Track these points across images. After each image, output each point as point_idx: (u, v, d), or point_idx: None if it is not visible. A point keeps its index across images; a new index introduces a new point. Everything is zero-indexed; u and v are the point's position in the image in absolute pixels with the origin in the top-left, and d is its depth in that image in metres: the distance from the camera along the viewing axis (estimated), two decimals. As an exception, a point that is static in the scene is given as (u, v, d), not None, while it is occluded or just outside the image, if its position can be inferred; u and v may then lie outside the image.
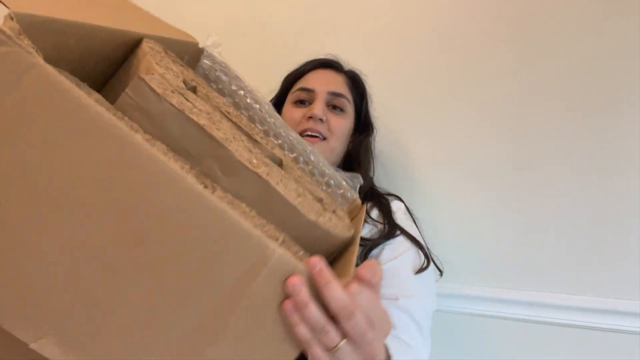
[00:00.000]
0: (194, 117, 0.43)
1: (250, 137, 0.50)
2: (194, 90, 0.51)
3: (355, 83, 0.95)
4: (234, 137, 0.46)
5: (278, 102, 0.94)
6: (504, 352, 0.98)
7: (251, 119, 0.59)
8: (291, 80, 0.94)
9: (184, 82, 0.50)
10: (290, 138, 0.60)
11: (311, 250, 0.46)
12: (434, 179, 1.03)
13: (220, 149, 0.43)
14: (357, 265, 0.48)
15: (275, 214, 0.45)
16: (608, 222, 0.92)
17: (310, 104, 0.87)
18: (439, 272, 0.87)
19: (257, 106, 0.60)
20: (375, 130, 0.97)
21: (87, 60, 0.45)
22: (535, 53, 0.95)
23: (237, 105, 0.60)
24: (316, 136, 0.84)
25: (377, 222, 0.83)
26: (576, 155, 0.93)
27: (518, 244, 0.97)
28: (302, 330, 0.37)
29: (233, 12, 1.18)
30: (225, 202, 0.37)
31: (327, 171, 0.60)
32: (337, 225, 0.49)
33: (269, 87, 0.97)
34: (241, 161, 0.44)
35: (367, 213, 0.84)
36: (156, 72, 0.44)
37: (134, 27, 0.49)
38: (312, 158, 0.59)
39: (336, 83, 0.90)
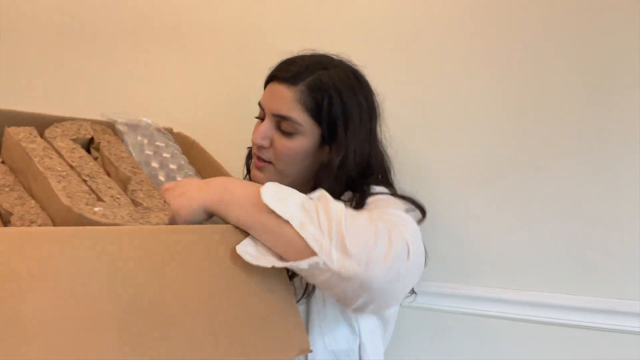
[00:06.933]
0: (25, 145, 0.61)
1: (71, 167, 0.62)
2: (97, 145, 0.72)
3: (314, 94, 0.76)
4: (52, 167, 0.60)
5: None
6: (504, 352, 0.98)
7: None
8: (264, 85, 0.85)
9: (92, 138, 0.73)
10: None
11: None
12: (434, 179, 1.02)
13: (31, 162, 0.59)
14: None
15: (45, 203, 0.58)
16: (608, 222, 0.91)
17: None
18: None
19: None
20: (350, 149, 0.78)
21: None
22: (537, 53, 0.93)
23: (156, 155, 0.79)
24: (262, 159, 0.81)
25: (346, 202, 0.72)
26: (577, 155, 0.92)
27: (518, 244, 0.97)
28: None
29: (226, 12, 1.16)
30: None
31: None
32: (104, 214, 0.56)
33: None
34: (39, 168, 0.58)
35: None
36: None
37: None
38: None
39: (281, 102, 0.77)
